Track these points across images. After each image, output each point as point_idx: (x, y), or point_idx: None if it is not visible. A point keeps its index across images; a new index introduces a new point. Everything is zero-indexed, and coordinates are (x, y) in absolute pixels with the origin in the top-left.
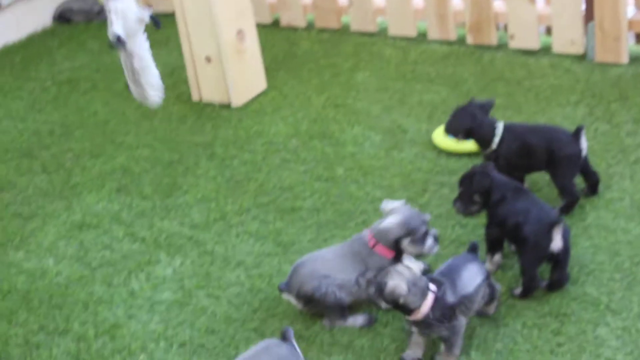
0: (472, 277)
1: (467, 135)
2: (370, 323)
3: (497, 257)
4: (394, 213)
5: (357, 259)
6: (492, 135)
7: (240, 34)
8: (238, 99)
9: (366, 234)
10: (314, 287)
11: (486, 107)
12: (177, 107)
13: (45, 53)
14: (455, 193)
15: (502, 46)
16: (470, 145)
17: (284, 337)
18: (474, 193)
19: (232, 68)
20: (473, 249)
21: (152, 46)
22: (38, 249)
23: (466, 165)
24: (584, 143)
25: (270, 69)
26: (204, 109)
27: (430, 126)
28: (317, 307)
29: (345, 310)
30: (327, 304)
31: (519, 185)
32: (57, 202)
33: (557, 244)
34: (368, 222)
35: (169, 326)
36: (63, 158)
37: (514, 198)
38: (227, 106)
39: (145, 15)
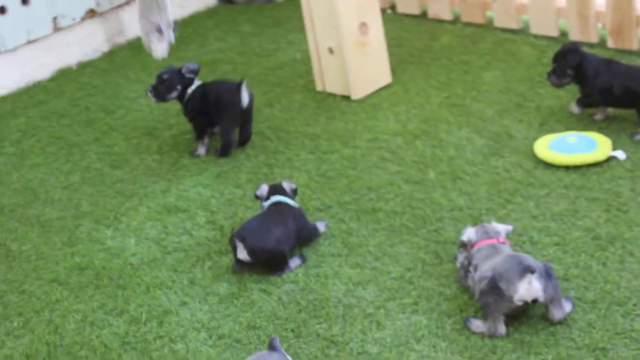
0: None
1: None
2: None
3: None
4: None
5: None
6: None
7: (363, 26)
8: (358, 92)
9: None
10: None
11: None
12: (300, 95)
13: (200, 33)
14: (541, 208)
15: None
16: (568, 158)
17: (272, 347)
18: (567, 68)
19: (352, 60)
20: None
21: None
22: (126, 228)
23: (561, 179)
24: None
25: (404, 62)
26: (325, 99)
27: (539, 134)
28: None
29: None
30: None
31: (607, 58)
32: (159, 184)
33: None
34: (440, 231)
35: (215, 317)
36: (180, 140)
37: (609, 68)
38: (347, 98)
39: None
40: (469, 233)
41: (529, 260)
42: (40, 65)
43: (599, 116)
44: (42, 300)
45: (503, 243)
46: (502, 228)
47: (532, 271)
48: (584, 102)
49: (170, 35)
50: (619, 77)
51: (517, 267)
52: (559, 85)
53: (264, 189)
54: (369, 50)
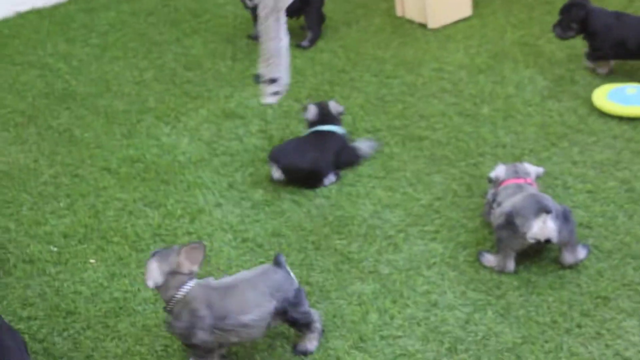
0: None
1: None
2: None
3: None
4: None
5: None
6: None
7: None
8: (435, 22)
9: None
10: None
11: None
12: (379, 19)
13: None
14: (584, 155)
15: None
16: (622, 109)
17: (277, 263)
18: (571, 21)
19: None
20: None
21: None
22: (183, 127)
23: (612, 129)
24: None
25: None
26: (402, 25)
27: (603, 82)
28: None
29: None
30: None
31: (617, 11)
32: (224, 89)
33: None
34: (479, 165)
35: (244, 221)
36: (254, 48)
37: (620, 21)
38: (424, 26)
39: None
40: (498, 170)
41: (548, 200)
42: None
43: (602, 70)
44: (90, 185)
45: (530, 184)
46: (533, 169)
47: (548, 211)
48: (594, 56)
49: (281, 89)
50: (632, 30)
51: (535, 205)
52: (563, 38)
53: (312, 111)
54: None
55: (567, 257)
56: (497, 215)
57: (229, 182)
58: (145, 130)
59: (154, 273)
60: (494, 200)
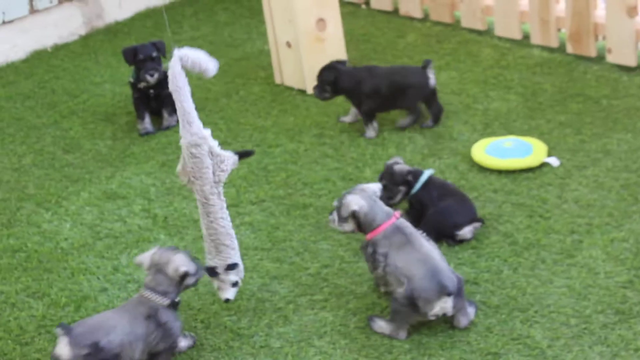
0: None
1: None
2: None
3: (376, 123)
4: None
5: None
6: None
7: (321, 22)
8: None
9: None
10: None
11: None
12: (259, 87)
13: (176, 20)
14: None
15: (601, 59)
16: (501, 163)
17: None
18: (324, 84)
19: (308, 55)
20: None
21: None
22: (64, 212)
23: (492, 183)
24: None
25: (365, 58)
26: (282, 92)
27: (481, 137)
28: None
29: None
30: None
31: (366, 67)
32: (105, 170)
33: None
34: None
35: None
36: (135, 126)
37: (372, 72)
38: (303, 92)
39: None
40: (357, 201)
41: (446, 278)
42: (14, 47)
43: (347, 118)
44: None
45: (397, 217)
46: (375, 187)
47: (450, 294)
48: (363, 111)
49: (241, 276)
50: (383, 78)
51: (436, 287)
52: (321, 99)
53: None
54: (326, 46)
55: (462, 320)
56: (393, 278)
57: (114, 266)
58: (26, 218)
59: None
60: (374, 251)
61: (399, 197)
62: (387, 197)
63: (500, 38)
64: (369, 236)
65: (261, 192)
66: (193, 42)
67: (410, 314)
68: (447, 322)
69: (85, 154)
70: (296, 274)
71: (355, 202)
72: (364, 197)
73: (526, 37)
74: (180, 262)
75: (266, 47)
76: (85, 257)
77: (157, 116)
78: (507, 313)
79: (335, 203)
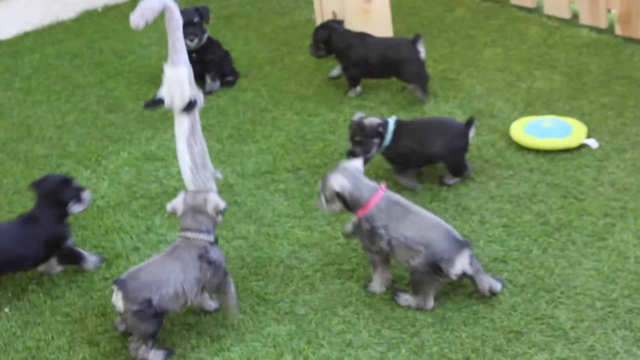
0: None
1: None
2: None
3: (359, 88)
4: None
5: None
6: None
7: None
8: None
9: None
10: None
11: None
12: (303, 56)
13: None
14: (501, 189)
15: None
16: (539, 142)
17: None
18: (318, 42)
19: (353, 26)
20: None
21: None
22: (103, 171)
23: (528, 162)
24: None
25: (412, 31)
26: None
27: (521, 115)
28: None
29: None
30: None
31: (360, 33)
32: (145, 131)
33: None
34: None
35: None
36: None
37: (363, 40)
38: None
39: None
40: (339, 180)
41: (458, 234)
42: (65, 5)
43: (335, 72)
44: None
45: (383, 189)
46: (357, 163)
47: (468, 245)
48: (347, 76)
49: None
50: (373, 49)
51: (454, 244)
52: (317, 57)
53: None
54: (372, 17)
55: (484, 280)
56: (404, 248)
57: (147, 226)
58: None
59: None
60: (372, 227)
61: (374, 149)
62: (364, 151)
63: (549, 16)
64: (360, 213)
65: (297, 160)
66: (240, 8)
67: (433, 280)
68: (472, 296)
69: (127, 115)
70: (326, 243)
71: (337, 181)
72: (346, 175)
73: (575, 16)
74: (218, 200)
75: (313, 16)
76: (120, 215)
77: (200, 80)
78: (533, 293)
79: (319, 185)
